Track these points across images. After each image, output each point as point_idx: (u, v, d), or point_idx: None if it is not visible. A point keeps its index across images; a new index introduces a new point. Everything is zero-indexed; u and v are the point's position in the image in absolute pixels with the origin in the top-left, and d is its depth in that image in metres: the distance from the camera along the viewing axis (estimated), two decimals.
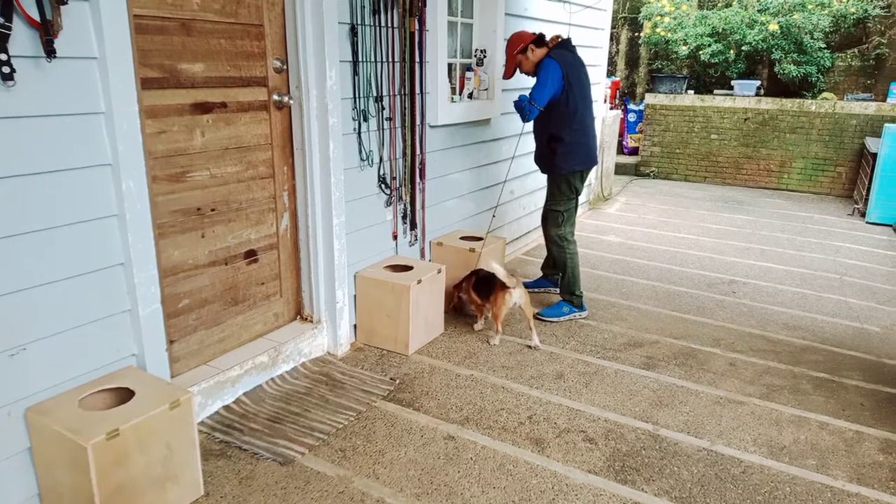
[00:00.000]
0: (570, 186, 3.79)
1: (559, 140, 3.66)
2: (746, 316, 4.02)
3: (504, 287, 3.36)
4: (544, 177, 5.57)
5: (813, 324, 3.94)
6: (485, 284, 3.51)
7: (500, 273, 3.31)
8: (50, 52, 1.86)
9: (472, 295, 3.60)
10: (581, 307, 3.89)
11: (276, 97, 2.89)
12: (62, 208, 2.02)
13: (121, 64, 2.08)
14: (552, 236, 3.89)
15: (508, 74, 3.81)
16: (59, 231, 2.03)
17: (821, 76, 8.53)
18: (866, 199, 6.76)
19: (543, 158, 3.84)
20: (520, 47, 3.66)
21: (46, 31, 1.84)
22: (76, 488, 1.92)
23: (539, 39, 3.65)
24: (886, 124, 6.64)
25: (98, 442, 1.84)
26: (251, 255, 2.93)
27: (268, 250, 3.02)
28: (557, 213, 3.84)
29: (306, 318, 3.26)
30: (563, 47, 3.64)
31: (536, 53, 3.64)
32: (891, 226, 6.46)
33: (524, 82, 4.81)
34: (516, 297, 3.39)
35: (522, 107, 3.59)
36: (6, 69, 1.77)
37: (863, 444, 2.69)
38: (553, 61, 3.52)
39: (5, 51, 1.76)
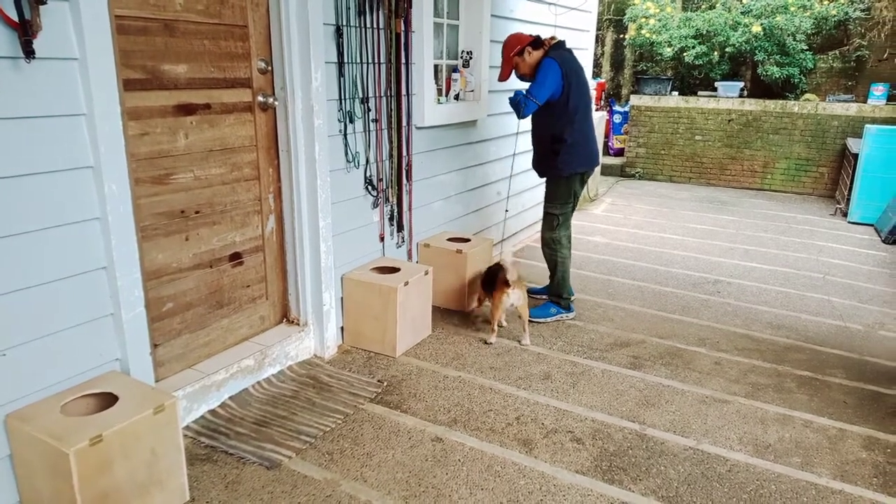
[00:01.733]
0: (568, 189, 3.72)
1: (561, 141, 3.59)
2: (731, 315, 4.05)
3: (503, 286, 3.37)
4: (531, 178, 5.58)
5: (797, 323, 3.98)
6: (491, 279, 3.53)
7: (508, 265, 3.34)
8: (29, 53, 1.83)
9: (481, 288, 3.69)
10: (568, 309, 3.89)
11: (260, 98, 2.87)
12: (43, 211, 1.99)
13: (102, 65, 2.05)
14: (545, 238, 3.84)
15: (504, 76, 3.74)
16: (40, 234, 2.00)
17: (803, 78, 8.63)
18: (848, 199, 6.84)
19: (543, 161, 3.75)
20: (516, 49, 3.59)
21: (25, 32, 1.81)
22: (58, 496, 1.89)
23: (536, 41, 3.59)
24: (867, 125, 6.73)
25: (81, 448, 1.82)
26: (236, 257, 2.91)
27: (253, 253, 3.00)
28: (552, 217, 3.78)
29: (293, 321, 3.24)
30: (561, 48, 3.60)
31: (533, 55, 3.58)
32: (872, 225, 6.54)
33: (510, 84, 4.82)
34: (514, 298, 3.40)
35: (518, 101, 3.49)
36: None
37: (846, 442, 2.72)
38: (552, 61, 3.48)
39: None
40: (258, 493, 2.26)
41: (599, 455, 2.55)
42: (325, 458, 2.47)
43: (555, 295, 3.88)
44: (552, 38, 3.67)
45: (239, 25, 2.72)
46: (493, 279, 3.50)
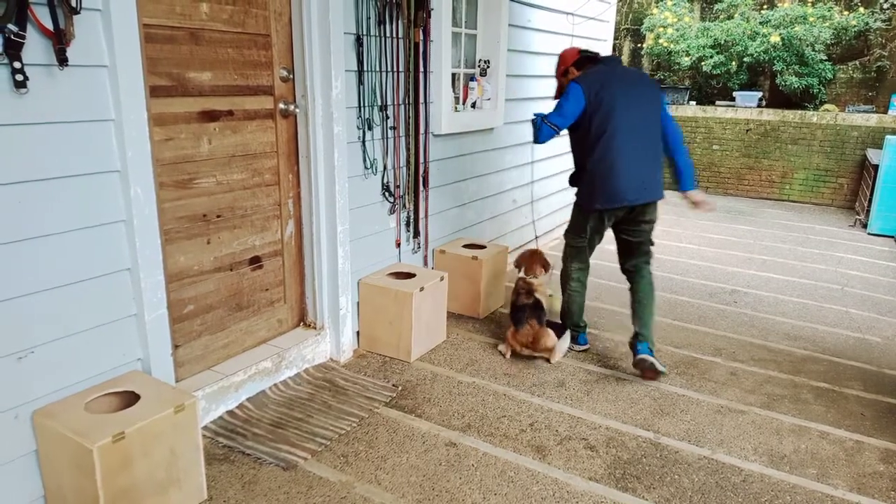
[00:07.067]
0: (583, 223, 3.28)
1: (581, 169, 3.24)
2: (748, 325, 4.03)
3: (533, 345, 3.31)
4: (548, 185, 5.61)
5: (814, 334, 3.95)
6: (519, 312, 3.37)
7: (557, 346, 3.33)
8: (62, 61, 1.89)
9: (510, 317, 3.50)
10: (577, 341, 3.56)
11: (282, 106, 2.93)
12: (71, 213, 2.05)
13: (130, 72, 2.11)
14: (562, 265, 3.50)
15: (556, 97, 3.40)
16: (67, 236, 2.05)
17: (822, 88, 8.57)
18: (868, 211, 6.77)
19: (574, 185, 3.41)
20: (560, 70, 3.36)
21: (59, 40, 1.87)
22: (81, 491, 1.94)
23: (579, 61, 3.25)
24: (888, 136, 6.66)
25: (104, 445, 1.86)
26: (256, 261, 2.96)
27: (272, 257, 3.04)
28: (566, 246, 3.44)
29: (310, 325, 3.28)
30: (601, 63, 3.22)
31: (568, 77, 3.28)
32: (892, 237, 6.47)
33: (527, 92, 4.86)
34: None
35: (534, 122, 3.19)
36: (19, 77, 1.80)
37: (863, 454, 2.69)
38: (575, 84, 3.11)
39: (19, 59, 1.79)
40: (274, 493, 2.29)
41: (613, 463, 2.56)
42: (339, 460, 2.50)
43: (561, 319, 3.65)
44: (596, 54, 3.30)
45: (262, 34, 2.78)
46: (521, 312, 3.34)
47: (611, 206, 3.13)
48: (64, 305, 2.08)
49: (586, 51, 3.34)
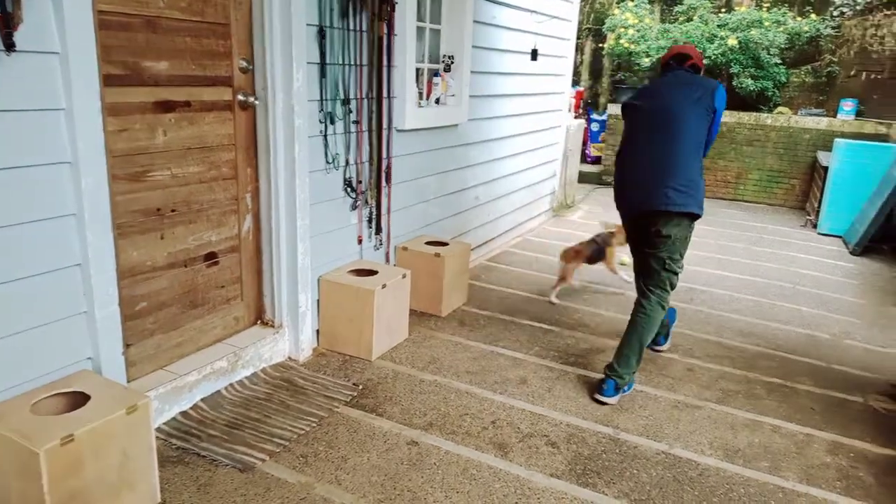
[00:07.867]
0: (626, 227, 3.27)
1: None
2: (703, 323, 4.12)
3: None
4: (511, 183, 5.63)
5: (767, 331, 4.06)
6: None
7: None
8: (9, 46, 1.81)
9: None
10: (657, 342, 3.55)
11: (241, 97, 2.86)
12: (18, 206, 1.96)
13: (83, 60, 2.03)
14: None
15: None
16: (14, 230, 1.96)
17: (776, 91, 8.83)
18: (818, 211, 7.00)
19: None
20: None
21: (6, 24, 1.79)
22: (26, 497, 1.86)
23: (665, 63, 3.16)
24: (836, 139, 6.90)
25: (51, 448, 1.79)
26: (212, 257, 2.88)
27: (229, 253, 2.97)
28: None
29: (267, 323, 3.22)
30: (665, 71, 3.14)
31: None
32: (841, 237, 6.71)
33: (491, 89, 4.86)
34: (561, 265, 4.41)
35: None
36: None
37: (812, 447, 2.78)
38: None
39: None
40: (230, 495, 2.24)
41: (574, 459, 2.58)
42: (299, 461, 2.45)
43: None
44: (681, 59, 3.10)
45: (221, 23, 2.70)
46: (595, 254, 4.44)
47: (625, 213, 3.16)
48: (10, 302, 1.99)
49: (679, 54, 3.11)
